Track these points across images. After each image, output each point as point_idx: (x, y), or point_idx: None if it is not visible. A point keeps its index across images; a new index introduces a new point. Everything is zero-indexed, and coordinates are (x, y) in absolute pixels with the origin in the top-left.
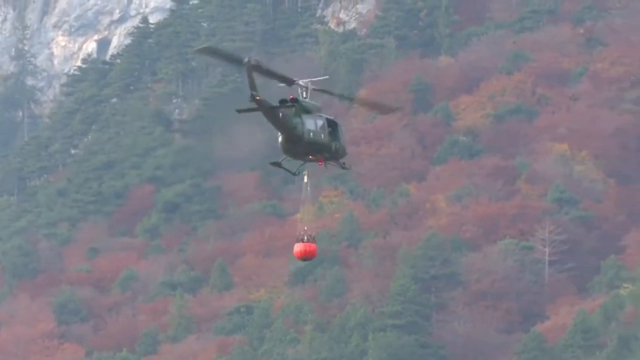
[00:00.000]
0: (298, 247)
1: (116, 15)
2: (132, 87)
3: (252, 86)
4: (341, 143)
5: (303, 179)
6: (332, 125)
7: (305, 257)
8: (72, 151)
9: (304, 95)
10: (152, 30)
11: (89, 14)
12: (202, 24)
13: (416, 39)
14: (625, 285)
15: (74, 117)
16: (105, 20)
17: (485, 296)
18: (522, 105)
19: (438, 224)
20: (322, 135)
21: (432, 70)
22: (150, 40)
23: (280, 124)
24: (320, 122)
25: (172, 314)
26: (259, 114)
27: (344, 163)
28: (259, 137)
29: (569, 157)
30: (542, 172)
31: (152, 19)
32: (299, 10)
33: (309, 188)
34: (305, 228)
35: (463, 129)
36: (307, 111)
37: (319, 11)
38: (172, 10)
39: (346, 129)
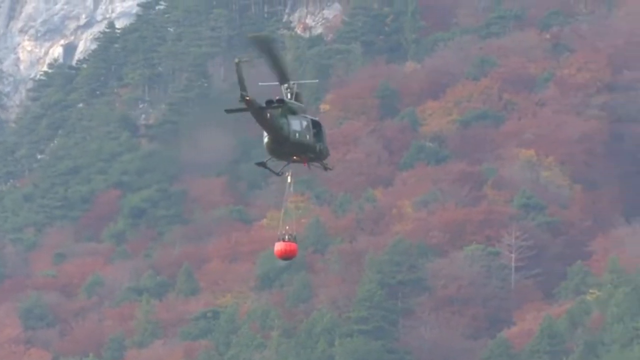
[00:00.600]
0: (279, 247)
1: (82, 20)
2: (98, 92)
3: (242, 86)
4: (325, 144)
5: (281, 180)
6: (316, 126)
7: (286, 256)
8: (39, 156)
9: (289, 97)
10: (118, 35)
11: (55, 18)
12: (169, 29)
13: (382, 44)
14: (591, 291)
15: (40, 122)
16: (72, 25)
17: (452, 302)
18: (488, 111)
19: (404, 229)
20: (308, 136)
21: (399, 75)
22: (116, 45)
23: (267, 125)
24: (305, 123)
25: (139, 319)
26: (239, 116)
27: (326, 164)
28: (225, 142)
29: (536, 162)
30: (508, 177)
31: (119, 24)
32: (266, 15)
33: (291, 189)
34: (287, 227)
35: (429, 135)
36: (293, 112)
37: (286, 16)
38: (138, 15)
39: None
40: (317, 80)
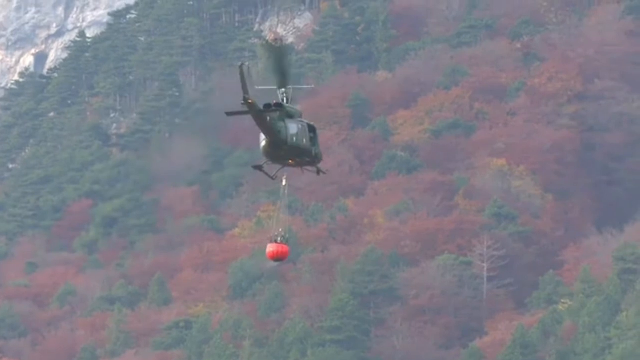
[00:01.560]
0: (271, 248)
1: (53, 30)
2: (69, 102)
3: (245, 89)
4: (319, 148)
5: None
6: (312, 130)
7: (278, 257)
8: (10, 165)
9: (285, 101)
10: (89, 44)
11: (26, 28)
12: (140, 38)
13: (354, 53)
14: (563, 300)
15: (11, 131)
16: (43, 34)
17: (424, 311)
18: (459, 120)
19: (376, 239)
20: (304, 140)
21: (370, 85)
22: (87, 55)
23: (267, 128)
24: (302, 127)
25: (111, 329)
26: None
27: (320, 168)
28: (196, 151)
29: (507, 172)
30: (480, 187)
31: (90, 33)
32: (237, 24)
33: (286, 191)
34: (280, 230)
35: (401, 144)
36: (290, 116)
37: (257, 26)
38: (109, 25)
39: None
40: (312, 86)
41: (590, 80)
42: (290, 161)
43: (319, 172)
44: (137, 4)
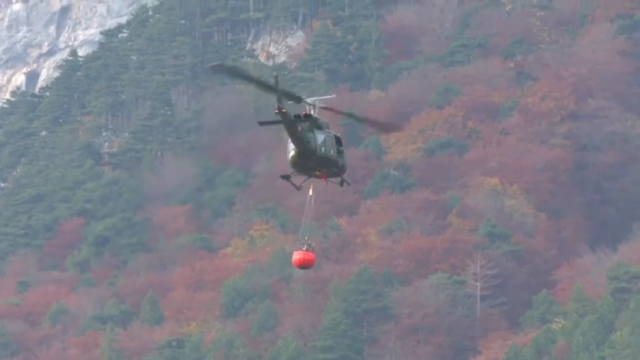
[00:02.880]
0: (297, 255)
1: (45, 48)
2: (61, 120)
3: (279, 98)
4: (344, 160)
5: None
6: (338, 141)
7: (304, 265)
8: (1, 184)
9: (312, 113)
10: (81, 63)
11: (18, 46)
12: (132, 57)
13: (346, 72)
14: (556, 319)
15: (3, 150)
16: (34, 53)
17: (417, 330)
18: (452, 139)
19: (369, 258)
20: (332, 151)
21: (362, 104)
22: (79, 73)
23: (297, 138)
24: (330, 139)
25: (103, 348)
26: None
27: (345, 179)
28: (188, 170)
29: (500, 191)
30: (473, 206)
31: (81, 52)
32: (229, 43)
33: (312, 202)
34: (306, 238)
35: (394, 163)
36: (319, 127)
37: (249, 44)
38: (101, 43)
39: (277, 160)
40: (334, 96)
41: (583, 99)
42: (317, 172)
43: (342, 183)
44: (128, 22)
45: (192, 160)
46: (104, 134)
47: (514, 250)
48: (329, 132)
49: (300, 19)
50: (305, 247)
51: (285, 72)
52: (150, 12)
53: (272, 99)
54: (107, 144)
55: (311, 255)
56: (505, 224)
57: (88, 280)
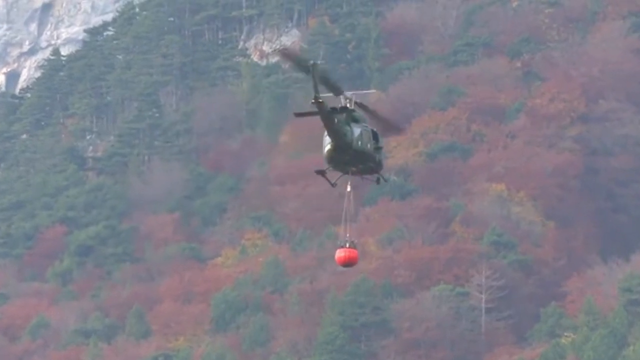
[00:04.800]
0: (340, 253)
1: (26, 47)
2: (43, 123)
3: (316, 89)
4: (382, 156)
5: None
6: (375, 136)
7: (348, 262)
8: None
9: (348, 106)
10: (64, 62)
11: None
12: (117, 56)
13: (344, 72)
14: (566, 334)
15: None
16: (15, 51)
17: (419, 345)
18: (456, 143)
19: (368, 268)
20: (369, 145)
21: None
22: (62, 74)
23: (334, 130)
24: (366, 132)
25: None
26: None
27: (384, 175)
28: (177, 176)
29: (506, 197)
30: (477, 213)
31: (64, 51)
32: (220, 42)
33: (351, 197)
34: (348, 235)
35: (394, 168)
36: (356, 121)
37: (241, 43)
38: (85, 42)
39: (270, 166)
40: (374, 90)
41: (594, 101)
42: (353, 168)
43: (379, 180)
44: (114, 20)
45: (181, 165)
46: (87, 137)
47: (520, 260)
48: (366, 126)
49: (295, 16)
50: (348, 244)
51: (279, 73)
52: (137, 9)
53: (266, 99)
54: (91, 148)
55: (355, 252)
56: (511, 233)
57: (70, 292)
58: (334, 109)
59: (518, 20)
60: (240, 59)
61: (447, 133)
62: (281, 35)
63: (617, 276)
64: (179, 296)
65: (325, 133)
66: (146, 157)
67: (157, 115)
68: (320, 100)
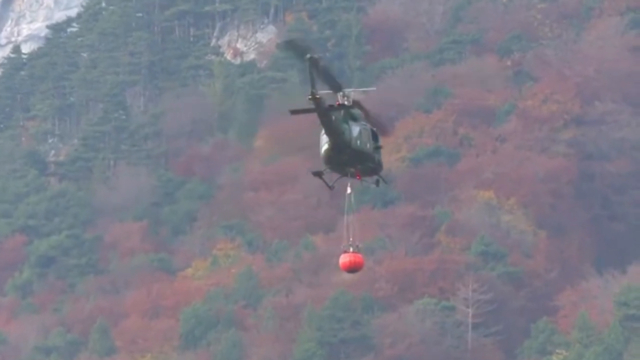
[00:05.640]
0: (345, 258)
1: None
2: (2, 125)
3: (312, 84)
4: (381, 156)
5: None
6: (374, 135)
7: (353, 268)
8: None
9: (346, 103)
10: (25, 61)
11: None
12: (82, 54)
13: None
14: (558, 351)
15: None
16: None
17: None
18: (442, 147)
19: (347, 280)
20: (368, 145)
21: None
22: (22, 73)
23: (331, 128)
24: (365, 131)
25: None
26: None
27: (383, 177)
28: (145, 182)
29: (495, 205)
30: (464, 222)
31: (25, 49)
32: (191, 39)
33: (352, 199)
34: (351, 239)
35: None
36: (354, 119)
37: (214, 40)
38: (47, 39)
39: (244, 171)
40: (374, 88)
41: (590, 102)
42: (352, 168)
43: (378, 182)
44: (79, 15)
45: (149, 171)
46: (50, 140)
47: (510, 272)
48: (365, 125)
49: (271, 11)
50: (352, 248)
51: (254, 73)
52: (103, 4)
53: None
54: (53, 152)
55: (359, 257)
56: (500, 243)
57: (30, 305)
58: (331, 106)
59: (508, 16)
60: (213, 57)
61: (433, 136)
62: (257, 32)
63: (613, 289)
64: (146, 310)
65: (323, 132)
66: (112, 162)
67: (123, 117)
68: (318, 97)
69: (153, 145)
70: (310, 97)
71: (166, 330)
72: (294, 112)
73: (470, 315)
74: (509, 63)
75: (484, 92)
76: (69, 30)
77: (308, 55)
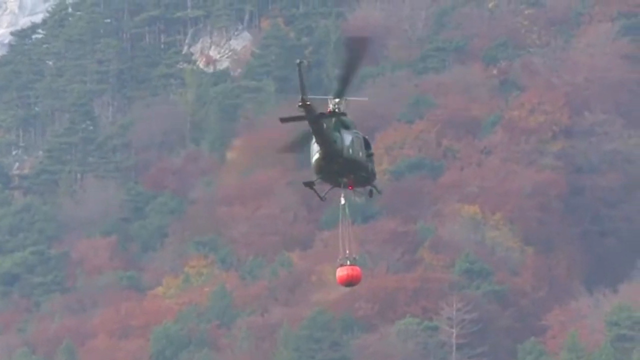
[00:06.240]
0: (342, 272)
1: None
2: None
3: (303, 90)
4: (374, 164)
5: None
6: (367, 144)
7: (350, 281)
8: None
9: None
10: None
11: None
12: (47, 62)
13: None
14: None
15: None
16: None
17: None
18: (424, 160)
19: (326, 299)
20: (360, 154)
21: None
22: None
23: (322, 136)
24: (357, 139)
25: None
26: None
27: (375, 186)
28: (113, 196)
29: (480, 220)
30: (448, 238)
31: None
32: (162, 46)
33: (347, 210)
34: (347, 251)
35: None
36: (346, 127)
37: (186, 48)
38: (11, 46)
39: (217, 184)
40: (366, 98)
41: (579, 113)
42: (344, 178)
43: (371, 193)
44: (44, 21)
45: (118, 184)
46: (13, 152)
47: (496, 291)
48: (357, 133)
49: (246, 17)
50: (349, 261)
51: (227, 81)
52: (70, 9)
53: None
54: (17, 164)
55: (357, 269)
56: (486, 260)
57: None
58: (322, 114)
59: (494, 23)
60: (185, 65)
61: (415, 148)
62: (230, 39)
63: (603, 308)
64: (115, 330)
65: (314, 141)
66: (79, 175)
67: (91, 128)
68: (308, 103)
69: (122, 158)
70: (300, 103)
71: (136, 350)
72: (284, 120)
73: (454, 335)
74: (494, 71)
75: (468, 102)
76: (33, 36)
77: (298, 60)
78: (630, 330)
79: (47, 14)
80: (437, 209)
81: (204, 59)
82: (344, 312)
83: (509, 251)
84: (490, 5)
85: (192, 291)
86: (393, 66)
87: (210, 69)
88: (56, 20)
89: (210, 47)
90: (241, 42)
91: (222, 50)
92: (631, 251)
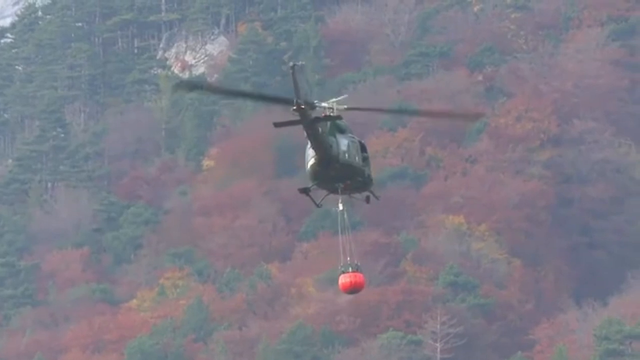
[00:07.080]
0: (345, 279)
1: None
2: None
3: (297, 93)
4: (370, 169)
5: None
6: (363, 148)
7: (354, 288)
8: None
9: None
10: None
11: None
12: (17, 67)
13: (278, 86)
14: None
15: None
16: None
17: None
18: (408, 169)
19: (306, 312)
20: (357, 158)
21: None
22: None
23: (318, 141)
24: (353, 144)
25: None
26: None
27: (374, 192)
28: (85, 206)
29: (465, 232)
30: (432, 250)
31: None
32: (136, 51)
33: (345, 216)
34: (349, 258)
35: (335, 197)
36: (341, 131)
37: (160, 52)
38: None
39: (193, 194)
40: (346, 95)
41: (568, 120)
42: (341, 184)
43: (369, 198)
44: (13, 25)
45: (90, 194)
46: None
47: (482, 304)
48: (353, 137)
49: (222, 21)
50: (351, 268)
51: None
52: (40, 13)
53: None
54: None
55: (360, 276)
56: (471, 272)
57: None
58: (317, 118)
59: (480, 27)
60: (159, 70)
61: (398, 157)
62: (206, 44)
63: (592, 322)
64: (88, 345)
65: (309, 146)
66: (50, 184)
67: (62, 135)
68: (303, 107)
69: (94, 166)
70: (295, 107)
71: None
72: (278, 124)
73: (438, 350)
74: (480, 78)
75: (453, 108)
76: (2, 41)
77: (291, 63)
78: (621, 344)
79: (16, 18)
80: (421, 220)
81: (179, 64)
82: (324, 325)
83: (495, 263)
84: (475, 9)
85: (168, 304)
86: (375, 72)
87: (186, 75)
88: (25, 24)
89: (186, 52)
90: (217, 46)
91: (197, 55)
92: (621, 264)
